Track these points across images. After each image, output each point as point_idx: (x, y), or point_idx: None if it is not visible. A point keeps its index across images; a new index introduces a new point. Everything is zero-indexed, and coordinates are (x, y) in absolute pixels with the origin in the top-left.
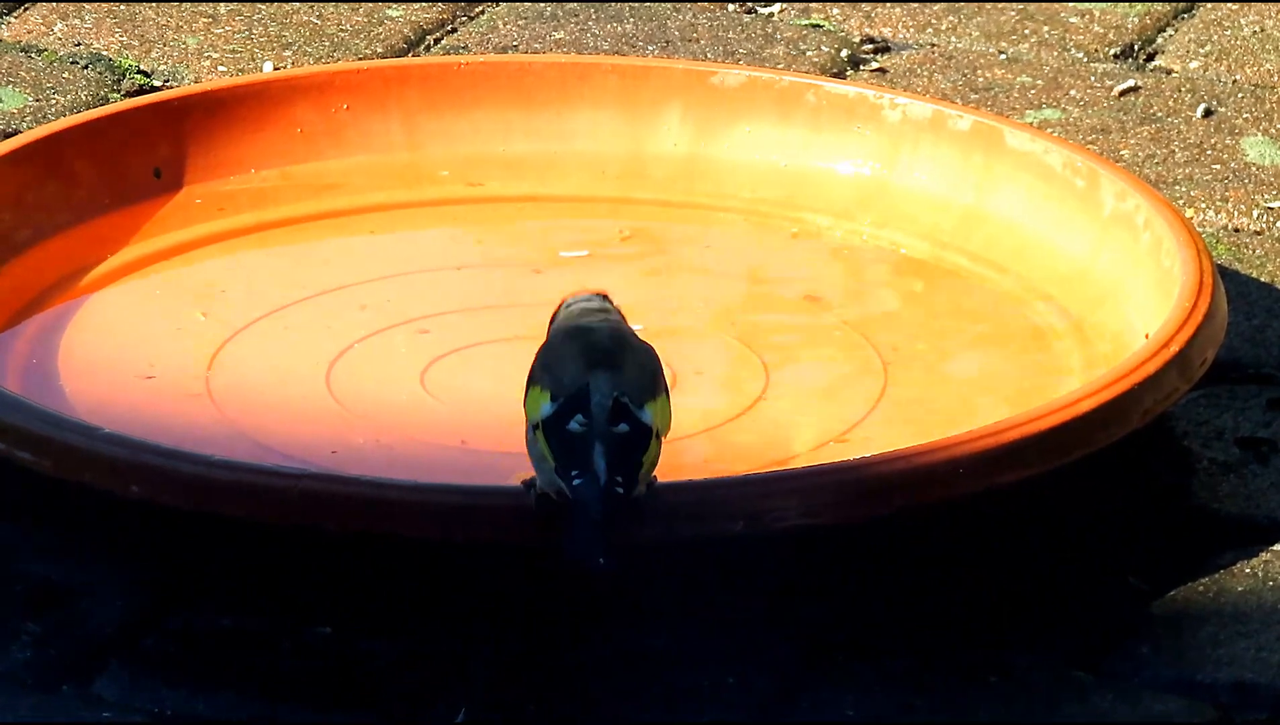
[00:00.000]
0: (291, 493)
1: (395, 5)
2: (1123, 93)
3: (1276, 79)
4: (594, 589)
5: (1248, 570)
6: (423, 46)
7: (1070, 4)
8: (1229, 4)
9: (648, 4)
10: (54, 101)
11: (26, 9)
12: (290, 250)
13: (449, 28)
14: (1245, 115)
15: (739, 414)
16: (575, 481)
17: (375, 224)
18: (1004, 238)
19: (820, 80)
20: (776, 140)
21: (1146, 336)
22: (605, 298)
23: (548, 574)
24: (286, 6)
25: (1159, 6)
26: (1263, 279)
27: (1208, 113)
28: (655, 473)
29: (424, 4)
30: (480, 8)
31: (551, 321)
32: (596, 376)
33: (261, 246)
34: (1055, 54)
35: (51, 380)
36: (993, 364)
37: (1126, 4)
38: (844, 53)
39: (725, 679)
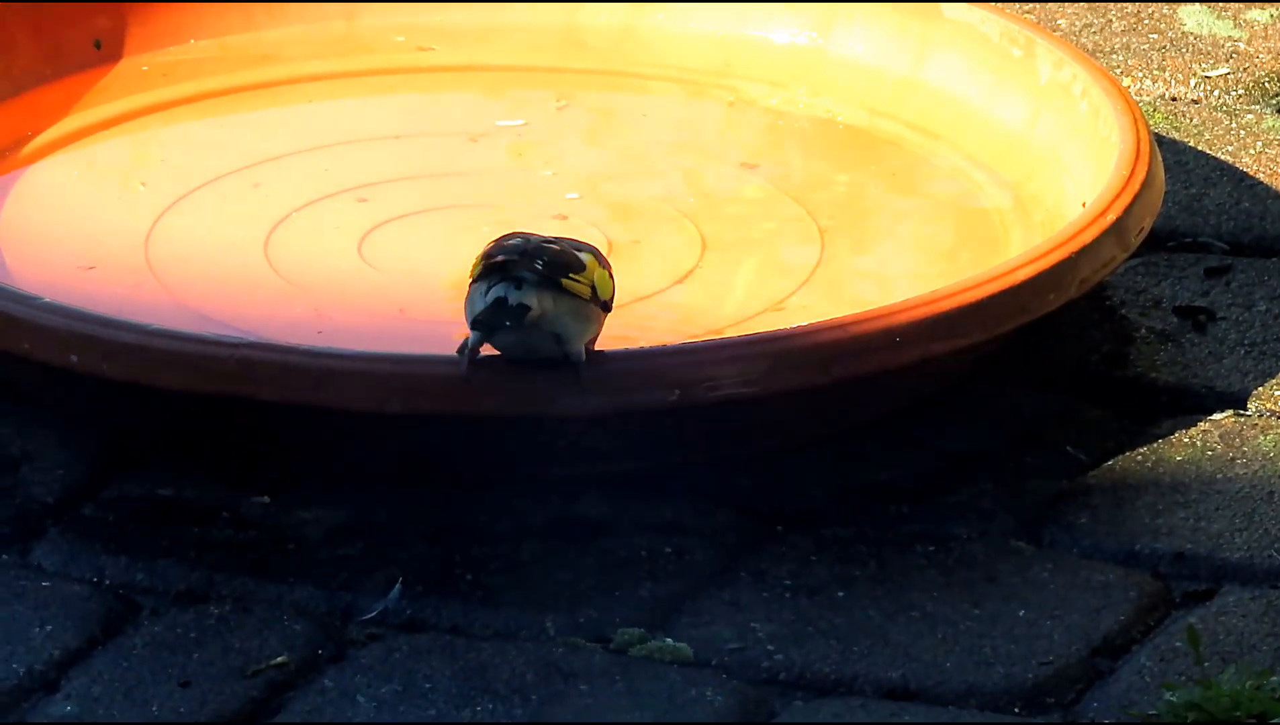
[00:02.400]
0: (229, 362)
1: None
2: None
3: None
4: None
5: (1185, 440)
6: None
7: None
8: None
9: None
10: None
11: None
12: (228, 120)
13: None
14: None
15: (675, 283)
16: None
17: (312, 93)
18: (940, 107)
19: None
20: (712, 9)
21: (1084, 205)
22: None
23: (484, 443)
24: None
25: None
26: (1200, 147)
27: None
28: (595, 343)
29: None
30: None
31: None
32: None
33: (200, 116)
34: None
35: None
36: (929, 233)
37: None
38: None
39: (662, 549)
